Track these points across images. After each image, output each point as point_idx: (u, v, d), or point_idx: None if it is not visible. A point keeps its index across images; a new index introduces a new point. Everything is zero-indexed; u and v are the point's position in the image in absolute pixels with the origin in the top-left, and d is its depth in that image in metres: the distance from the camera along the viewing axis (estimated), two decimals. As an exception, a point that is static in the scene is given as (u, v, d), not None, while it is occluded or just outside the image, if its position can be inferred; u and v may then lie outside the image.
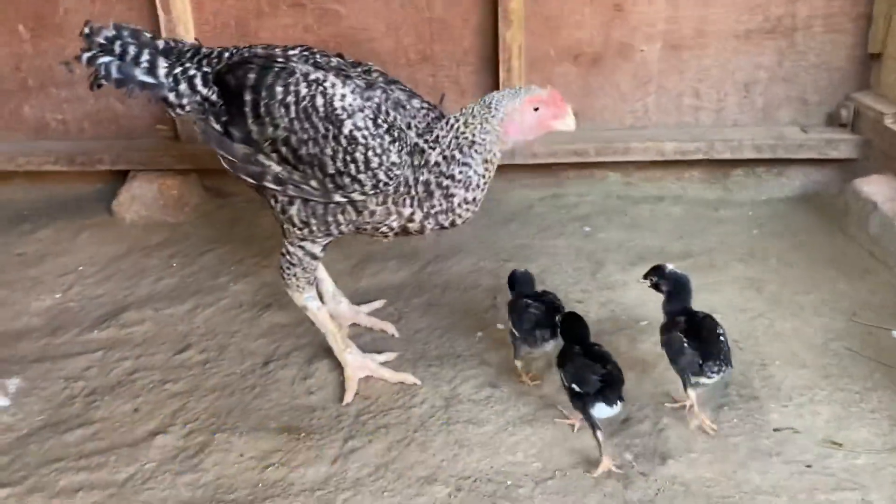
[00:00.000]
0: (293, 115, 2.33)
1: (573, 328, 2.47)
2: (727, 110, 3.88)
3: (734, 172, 3.93)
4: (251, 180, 2.46)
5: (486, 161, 2.38)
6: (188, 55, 2.59)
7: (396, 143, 2.32)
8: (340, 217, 2.42)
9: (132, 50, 2.53)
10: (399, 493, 2.20)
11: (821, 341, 2.74)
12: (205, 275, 3.43)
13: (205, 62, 2.56)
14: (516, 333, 2.56)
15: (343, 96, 2.32)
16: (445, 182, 2.35)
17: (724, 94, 3.85)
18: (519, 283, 2.71)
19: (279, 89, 2.36)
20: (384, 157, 2.30)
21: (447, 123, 2.39)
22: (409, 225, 2.42)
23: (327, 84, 2.34)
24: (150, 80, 2.52)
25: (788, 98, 3.81)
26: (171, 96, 2.54)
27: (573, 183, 4.02)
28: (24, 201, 4.22)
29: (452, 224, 2.43)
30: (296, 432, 2.44)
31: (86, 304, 3.25)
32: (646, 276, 2.62)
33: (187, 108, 2.53)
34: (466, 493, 2.19)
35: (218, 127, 2.47)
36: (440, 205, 2.37)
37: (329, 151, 2.30)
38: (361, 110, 2.31)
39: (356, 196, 2.35)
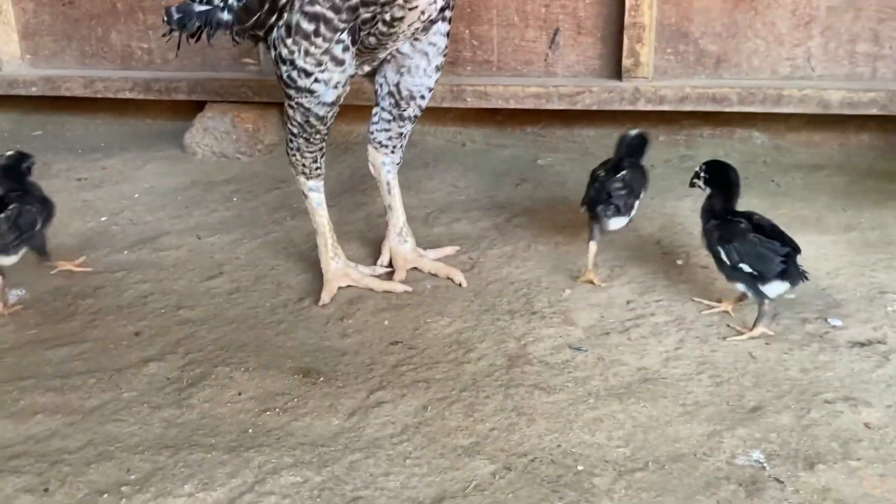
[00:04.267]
0: None
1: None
2: (916, 60, 3.07)
3: (919, 138, 3.11)
4: (272, 18, 2.05)
5: None
6: None
7: None
8: None
9: None
10: (426, 463, 1.62)
11: None
12: (263, 210, 3.00)
13: None
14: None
15: None
16: None
17: (913, 38, 3.05)
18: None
19: None
20: None
21: None
22: None
23: None
24: (205, 7, 2.29)
25: None
26: (224, 15, 2.26)
27: (707, 143, 3.33)
28: (103, 133, 4.00)
29: None
30: (314, 376, 1.92)
31: (127, 228, 2.89)
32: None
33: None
34: (518, 473, 1.58)
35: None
36: None
37: None
38: None
39: None
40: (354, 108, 3.15)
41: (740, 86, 3.11)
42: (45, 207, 2.41)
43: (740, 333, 2.04)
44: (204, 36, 2.39)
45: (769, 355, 1.97)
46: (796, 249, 1.99)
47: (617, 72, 3.28)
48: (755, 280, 1.98)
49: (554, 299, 2.25)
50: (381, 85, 2.33)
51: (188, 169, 3.48)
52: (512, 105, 3.34)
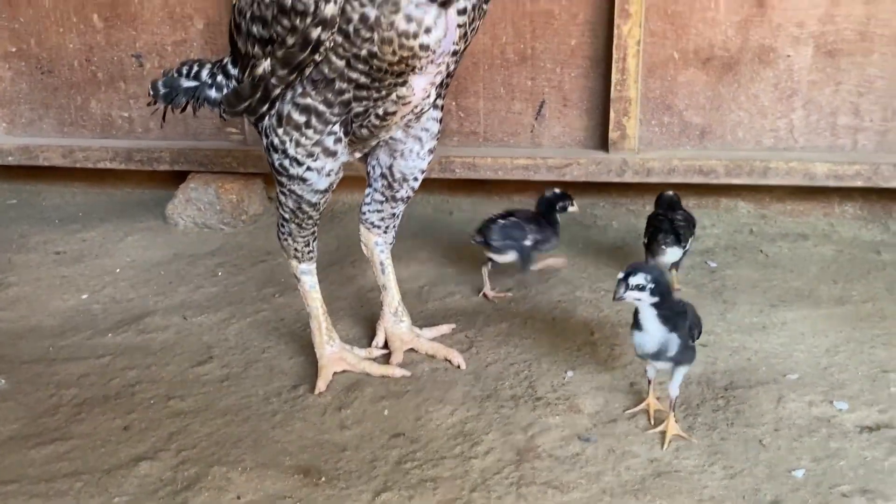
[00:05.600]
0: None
1: None
2: (895, 133, 3.14)
3: (900, 209, 3.17)
4: (264, 108, 2.02)
5: None
6: None
7: None
8: (339, 63, 1.86)
9: (185, 68, 2.34)
10: (440, 574, 1.55)
11: None
12: (250, 286, 2.93)
13: None
14: None
15: None
16: None
17: (891, 112, 3.12)
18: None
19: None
20: None
21: None
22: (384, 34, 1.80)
23: None
24: (192, 83, 2.29)
25: (978, 119, 3.05)
26: (212, 92, 2.25)
27: (693, 212, 3.33)
28: (81, 202, 3.92)
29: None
30: (314, 475, 1.84)
31: (110, 307, 2.80)
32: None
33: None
34: (537, 584, 1.52)
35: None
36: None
37: None
38: None
39: (324, 8, 1.76)
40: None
41: (727, 158, 3.15)
42: None
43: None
44: (189, 108, 2.36)
45: (779, 443, 1.94)
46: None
47: (603, 143, 3.31)
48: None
49: (557, 382, 2.21)
50: (373, 167, 2.31)
51: (171, 241, 3.41)
52: (500, 176, 3.34)
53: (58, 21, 3.77)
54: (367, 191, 2.35)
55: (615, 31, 3.10)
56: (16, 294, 2.90)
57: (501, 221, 2.71)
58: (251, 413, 2.11)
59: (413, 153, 2.23)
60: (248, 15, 1.95)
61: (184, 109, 2.39)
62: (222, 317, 2.67)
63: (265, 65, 1.94)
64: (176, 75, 2.36)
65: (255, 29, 1.94)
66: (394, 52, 1.81)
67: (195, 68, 2.34)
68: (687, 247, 2.67)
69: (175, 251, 3.30)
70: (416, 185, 2.30)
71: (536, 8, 3.27)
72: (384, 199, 2.33)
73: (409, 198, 2.33)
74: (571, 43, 3.27)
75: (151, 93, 2.39)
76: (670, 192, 2.84)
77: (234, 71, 2.20)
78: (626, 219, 3.38)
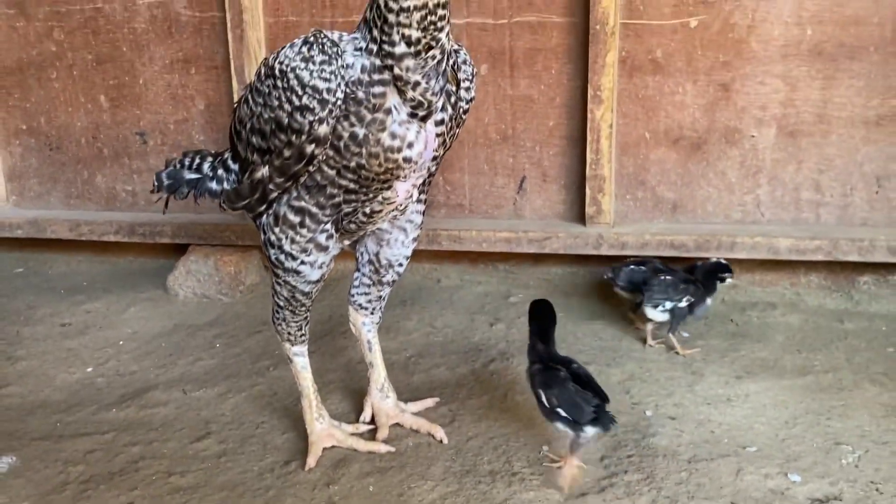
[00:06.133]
0: (250, 101, 2.14)
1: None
2: (855, 207, 3.34)
3: (862, 279, 3.35)
4: (261, 208, 2.21)
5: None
6: None
7: (315, 45, 1.96)
8: (330, 172, 2.06)
9: (187, 160, 2.54)
10: None
11: None
12: (246, 358, 3.10)
13: None
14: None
15: (275, 52, 2.08)
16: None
17: (850, 188, 3.32)
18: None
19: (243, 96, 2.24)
20: (311, 64, 1.95)
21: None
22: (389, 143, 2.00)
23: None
24: (194, 176, 2.49)
25: (930, 195, 3.25)
26: (213, 185, 2.44)
27: (668, 282, 3.52)
28: (86, 271, 4.12)
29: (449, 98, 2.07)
30: (304, 551, 1.98)
31: (114, 381, 2.96)
32: None
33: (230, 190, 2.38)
34: None
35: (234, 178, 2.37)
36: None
37: (275, 102, 2.01)
38: (283, 48, 2.04)
39: (317, 129, 1.96)
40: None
41: (696, 232, 3.34)
42: None
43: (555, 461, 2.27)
44: (191, 197, 2.53)
45: (736, 516, 2.09)
46: (605, 400, 2.20)
47: (581, 216, 3.51)
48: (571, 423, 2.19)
49: (532, 457, 2.36)
50: (361, 253, 2.49)
51: (171, 311, 3.58)
52: (484, 248, 3.53)
53: (67, 101, 4.00)
54: (356, 274, 2.53)
55: (588, 116, 3.32)
56: (24, 368, 3.07)
57: (663, 277, 3.00)
58: (246, 489, 2.25)
59: (398, 242, 2.42)
60: (248, 126, 2.16)
61: (185, 197, 2.58)
62: (220, 391, 2.83)
63: (263, 171, 2.14)
64: (179, 167, 2.55)
65: (254, 139, 2.14)
66: (380, 165, 2.01)
67: (197, 160, 2.53)
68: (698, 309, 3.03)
69: (175, 322, 3.47)
70: (402, 270, 2.49)
71: (517, 93, 3.49)
72: (371, 282, 2.51)
73: (394, 281, 2.51)
74: (549, 124, 3.49)
75: (156, 183, 2.58)
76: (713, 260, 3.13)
77: (233, 166, 2.39)
78: (607, 288, 3.55)
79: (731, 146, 3.38)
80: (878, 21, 3.16)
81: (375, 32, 1.91)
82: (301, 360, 2.45)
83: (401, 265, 2.47)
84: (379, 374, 2.60)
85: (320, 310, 3.48)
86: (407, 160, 2.02)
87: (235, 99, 3.65)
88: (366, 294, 2.53)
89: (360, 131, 1.98)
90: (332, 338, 3.24)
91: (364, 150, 2.00)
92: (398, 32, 1.87)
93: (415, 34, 1.87)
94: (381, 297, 2.54)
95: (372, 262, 2.47)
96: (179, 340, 3.29)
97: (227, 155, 2.46)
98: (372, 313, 2.56)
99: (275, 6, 3.64)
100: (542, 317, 2.39)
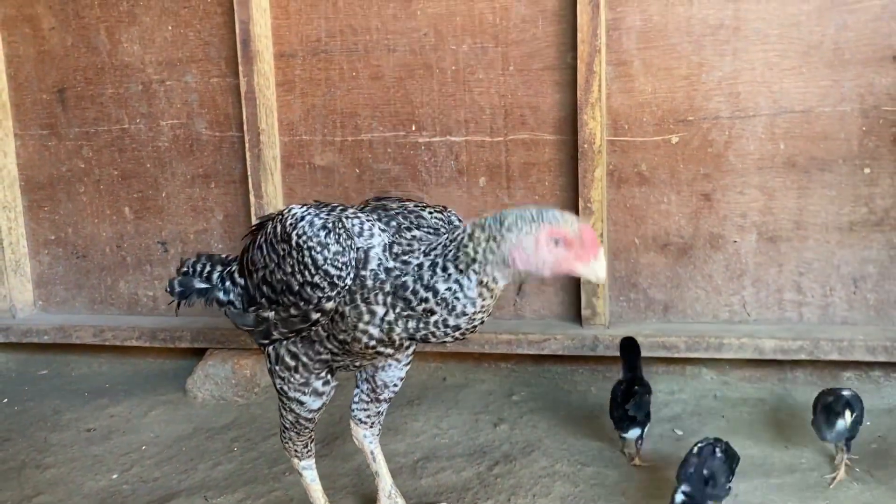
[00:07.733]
0: (264, 251, 2.34)
1: None
2: (835, 307, 3.54)
3: (845, 374, 3.53)
4: (264, 341, 2.41)
5: (482, 285, 2.06)
6: None
7: (332, 234, 2.16)
8: (322, 332, 2.28)
9: (198, 266, 2.75)
10: None
11: None
12: (263, 462, 3.27)
13: None
14: None
15: (295, 214, 2.28)
16: (424, 294, 2.08)
17: (829, 289, 3.54)
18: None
19: (259, 238, 2.43)
20: (326, 251, 2.14)
21: (451, 229, 2.23)
22: (390, 333, 2.19)
23: (288, 212, 2.32)
24: (204, 285, 2.69)
25: (905, 295, 3.46)
26: (220, 294, 2.65)
27: (662, 378, 3.71)
28: (108, 374, 4.29)
29: (425, 339, 2.16)
30: None
31: (138, 488, 3.12)
32: None
33: (236, 303, 2.58)
34: None
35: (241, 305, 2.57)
36: (416, 313, 2.11)
37: (288, 268, 2.22)
38: (303, 218, 2.24)
39: (325, 304, 2.18)
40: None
41: (686, 332, 3.54)
42: None
43: None
44: (202, 304, 2.75)
45: None
46: None
47: (577, 317, 3.72)
48: None
49: (534, 562, 2.51)
50: (359, 374, 2.70)
51: (190, 414, 3.76)
52: (487, 350, 3.73)
53: (93, 213, 4.27)
54: (355, 391, 2.74)
55: (582, 225, 3.57)
56: (53, 476, 3.24)
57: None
58: None
59: (392, 367, 2.63)
60: (261, 275, 2.37)
61: (193, 305, 2.79)
62: (239, 497, 2.99)
63: (270, 315, 2.36)
64: (190, 272, 2.76)
65: (264, 288, 2.36)
66: (363, 347, 2.25)
67: (207, 269, 2.73)
68: None
69: (195, 425, 3.65)
70: (397, 389, 2.70)
71: (514, 202, 3.75)
72: (369, 399, 2.71)
73: (391, 398, 2.72)
74: (545, 232, 3.73)
75: (168, 290, 2.80)
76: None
77: (239, 280, 2.60)
78: (604, 385, 3.73)
79: (715, 251, 3.62)
80: (845, 136, 3.43)
81: (439, 271, 2.05)
82: (310, 472, 2.63)
83: (395, 385, 2.68)
84: (385, 483, 2.76)
85: (331, 411, 3.65)
86: (380, 354, 2.27)
87: (252, 212, 3.92)
88: (365, 410, 2.73)
89: (349, 310, 2.20)
90: (343, 441, 3.40)
91: (349, 335, 2.22)
92: (456, 301, 2.03)
93: (452, 321, 2.07)
94: (379, 412, 2.74)
95: (368, 381, 2.68)
96: (199, 444, 3.46)
97: (234, 268, 2.67)
98: (371, 426, 2.75)
99: (289, 126, 3.94)
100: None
